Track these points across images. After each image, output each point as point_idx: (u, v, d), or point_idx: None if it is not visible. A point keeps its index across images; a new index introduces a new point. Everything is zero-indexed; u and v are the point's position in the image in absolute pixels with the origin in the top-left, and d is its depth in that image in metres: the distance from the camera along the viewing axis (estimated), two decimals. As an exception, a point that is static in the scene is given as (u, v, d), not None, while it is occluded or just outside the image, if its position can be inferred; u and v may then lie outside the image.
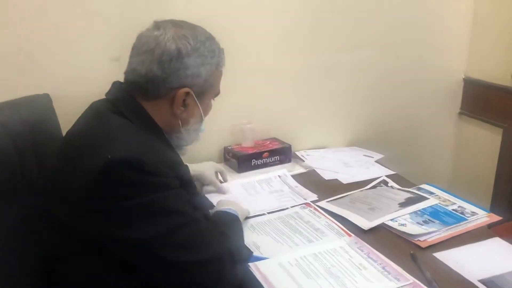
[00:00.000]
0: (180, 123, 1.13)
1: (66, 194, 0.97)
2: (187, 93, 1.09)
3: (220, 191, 1.57)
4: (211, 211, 1.28)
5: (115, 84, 1.14)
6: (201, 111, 1.15)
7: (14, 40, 1.43)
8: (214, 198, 1.49)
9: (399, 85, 2.10)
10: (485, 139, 2.15)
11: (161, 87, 1.06)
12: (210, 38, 1.12)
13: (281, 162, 1.80)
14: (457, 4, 2.10)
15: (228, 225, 1.18)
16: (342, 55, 1.94)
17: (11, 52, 1.43)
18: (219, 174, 1.62)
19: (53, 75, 1.47)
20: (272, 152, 1.78)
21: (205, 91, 1.13)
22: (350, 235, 1.30)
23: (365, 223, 1.35)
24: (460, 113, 2.27)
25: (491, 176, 2.11)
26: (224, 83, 1.76)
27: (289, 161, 1.83)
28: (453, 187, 2.25)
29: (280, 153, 1.80)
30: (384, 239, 1.29)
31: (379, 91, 2.07)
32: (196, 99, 1.11)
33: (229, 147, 1.79)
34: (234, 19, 1.72)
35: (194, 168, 1.53)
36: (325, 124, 2.03)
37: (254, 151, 1.76)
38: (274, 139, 1.88)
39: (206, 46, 1.09)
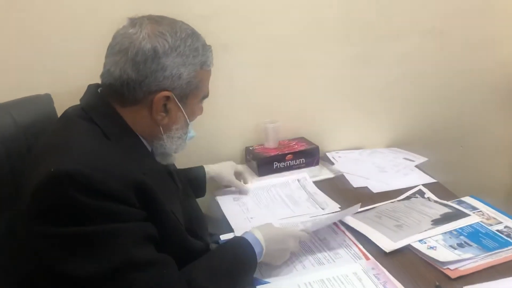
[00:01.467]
0: (161, 130, 1.02)
1: (18, 211, 0.89)
2: (167, 97, 0.98)
3: (242, 191, 1.50)
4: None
5: (90, 88, 1.04)
6: (186, 116, 1.03)
7: (14, 38, 1.39)
8: (228, 201, 1.44)
9: (448, 78, 1.87)
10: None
11: (137, 91, 0.96)
12: (192, 34, 1.00)
13: (307, 165, 1.66)
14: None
15: (220, 270, 0.99)
16: (382, 45, 1.75)
17: (11, 51, 1.39)
18: (241, 176, 1.54)
19: (53, 74, 1.42)
20: (297, 154, 1.64)
21: (189, 93, 1.01)
22: (368, 258, 1.15)
23: (388, 244, 1.19)
24: (523, 111, 1.99)
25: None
26: (247, 79, 1.69)
27: (317, 163, 1.69)
28: (510, 202, 2.00)
29: (306, 155, 1.66)
30: (408, 265, 1.13)
31: (424, 84, 1.86)
32: (178, 103, 1.00)
33: (251, 148, 1.68)
34: (257, 7, 1.59)
35: (212, 169, 1.45)
36: (362, 122, 1.85)
37: (277, 152, 1.63)
38: (302, 139, 1.75)
39: (187, 44, 0.98)
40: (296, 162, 1.64)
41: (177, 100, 1.00)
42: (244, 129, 1.72)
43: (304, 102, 1.75)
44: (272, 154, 1.62)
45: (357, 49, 1.73)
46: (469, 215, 1.30)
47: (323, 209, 1.40)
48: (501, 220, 1.29)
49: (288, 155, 1.63)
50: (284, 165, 1.63)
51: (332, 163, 1.70)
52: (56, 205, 0.81)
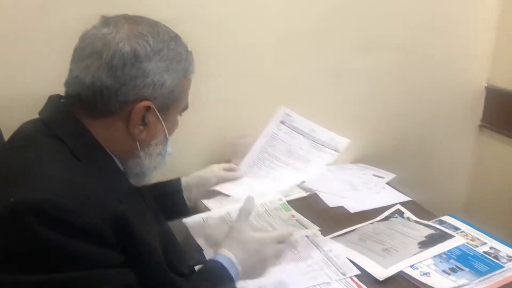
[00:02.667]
0: (138, 145, 0.88)
1: None
2: (147, 108, 0.84)
3: (235, 177, 1.29)
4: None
5: (51, 99, 0.88)
6: (166, 130, 0.91)
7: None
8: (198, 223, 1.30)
9: (412, 93, 1.87)
10: (510, 157, 1.92)
11: (112, 101, 0.82)
12: (175, 37, 0.88)
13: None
14: (481, 5, 1.86)
15: None
16: (350, 59, 1.71)
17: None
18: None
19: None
20: (267, 172, 1.53)
21: (170, 104, 0.89)
22: (361, 289, 1.06)
23: (380, 271, 1.11)
24: (481, 126, 2.03)
25: (516, 200, 1.88)
26: (214, 90, 1.57)
27: (287, 181, 1.59)
28: (470, 213, 2.03)
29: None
30: (404, 293, 1.06)
31: (390, 100, 1.84)
32: (158, 115, 0.87)
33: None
34: (226, 16, 1.49)
35: (192, 175, 1.28)
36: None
37: (246, 170, 1.51)
38: (270, 155, 1.64)
39: (170, 48, 0.86)
40: (266, 180, 1.53)
41: (157, 112, 0.87)
42: (209, 144, 1.60)
43: (272, 116, 1.65)
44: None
45: (325, 62, 1.68)
46: (453, 236, 1.27)
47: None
48: (485, 240, 1.26)
49: (260, 173, 1.51)
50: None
51: (303, 181, 1.61)
52: (16, 245, 0.66)
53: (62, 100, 0.87)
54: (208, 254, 1.17)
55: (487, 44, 1.92)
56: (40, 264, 0.67)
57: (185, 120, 1.46)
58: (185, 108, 0.96)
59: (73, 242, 0.68)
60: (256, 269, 0.98)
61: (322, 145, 1.24)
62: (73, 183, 0.74)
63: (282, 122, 1.31)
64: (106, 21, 0.84)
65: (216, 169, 1.28)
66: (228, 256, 0.94)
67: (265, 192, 1.23)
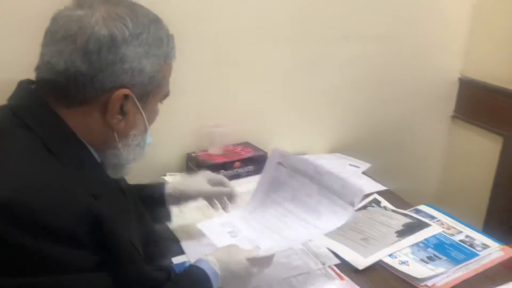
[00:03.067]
0: (116, 136, 0.83)
1: None
2: (126, 96, 0.79)
3: (231, 198, 1.19)
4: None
5: (22, 85, 0.82)
6: (145, 120, 0.85)
7: None
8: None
9: (388, 84, 1.88)
10: (482, 147, 1.96)
11: (88, 88, 0.76)
12: (156, 21, 0.83)
13: (255, 172, 1.54)
14: (456, -4, 1.89)
15: None
16: (327, 49, 1.70)
17: None
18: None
19: None
20: (245, 161, 1.52)
21: (150, 92, 0.83)
22: (342, 278, 1.06)
23: (359, 261, 1.11)
24: (454, 117, 2.07)
25: (487, 190, 1.92)
26: (191, 78, 1.54)
27: (264, 171, 1.57)
28: (442, 201, 2.06)
29: (255, 162, 1.54)
30: (383, 283, 1.07)
31: (365, 90, 1.84)
32: (138, 103, 0.82)
33: (193, 154, 1.52)
34: (204, 2, 1.44)
35: (177, 182, 1.20)
36: (306, 126, 1.78)
37: (224, 160, 1.49)
38: (247, 144, 1.63)
39: (150, 32, 0.80)
40: (244, 170, 1.52)
41: (136, 100, 0.81)
42: (184, 134, 1.56)
43: (249, 105, 1.63)
44: (219, 161, 1.48)
45: (303, 51, 1.66)
46: (430, 225, 1.28)
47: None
48: (460, 229, 1.28)
49: (236, 162, 1.50)
50: (231, 173, 1.49)
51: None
52: None
53: (33, 86, 0.81)
54: (185, 244, 1.15)
55: (461, 36, 1.94)
56: (5, 267, 0.63)
57: (160, 108, 1.44)
58: (166, 95, 0.90)
59: (42, 244, 0.64)
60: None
61: (333, 193, 1.05)
62: (44, 179, 0.69)
63: (280, 164, 1.15)
64: (80, 2, 0.78)
65: (202, 184, 1.18)
66: (215, 268, 0.92)
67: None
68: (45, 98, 0.78)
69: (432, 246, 1.19)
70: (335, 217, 1.02)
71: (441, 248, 1.18)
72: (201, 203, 1.30)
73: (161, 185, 1.16)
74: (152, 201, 1.12)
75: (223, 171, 1.48)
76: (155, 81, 0.82)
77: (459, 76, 2.00)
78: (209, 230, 1.16)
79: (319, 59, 1.69)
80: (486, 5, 1.86)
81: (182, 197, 1.16)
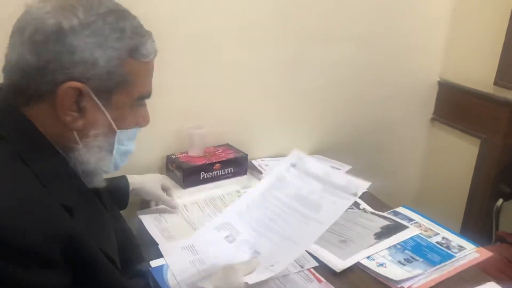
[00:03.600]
0: (76, 136, 0.77)
1: None
2: (79, 91, 0.73)
3: (170, 206, 1.31)
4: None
5: None
6: (110, 120, 0.78)
7: None
8: (153, 220, 1.25)
9: (369, 85, 1.90)
10: (460, 150, 1.99)
11: (39, 82, 0.72)
12: (117, 11, 0.77)
13: (235, 174, 1.54)
14: (435, 1, 1.91)
15: None
16: (308, 50, 1.71)
17: None
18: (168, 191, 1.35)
19: None
20: (225, 163, 1.52)
21: (114, 89, 0.77)
22: (320, 281, 1.06)
23: (337, 263, 1.12)
24: (433, 119, 2.10)
25: (464, 192, 1.96)
26: (170, 78, 1.51)
27: (245, 173, 1.57)
28: (421, 203, 2.10)
29: (235, 164, 1.54)
30: (360, 285, 1.07)
31: (346, 91, 1.86)
32: (96, 100, 0.76)
33: (173, 156, 1.51)
34: (184, 3, 1.43)
35: (136, 180, 1.25)
36: (287, 128, 1.79)
37: (204, 161, 1.49)
38: (228, 146, 1.62)
39: (107, 21, 0.74)
40: (224, 172, 1.51)
41: (93, 96, 0.75)
42: (164, 135, 1.54)
43: (230, 107, 1.63)
44: (199, 163, 1.47)
45: (285, 52, 1.66)
46: (408, 227, 1.29)
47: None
48: (437, 231, 1.29)
49: (216, 164, 1.49)
50: (211, 175, 1.49)
51: (260, 172, 1.60)
52: None
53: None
54: (163, 248, 1.14)
55: (440, 39, 1.97)
56: None
57: None
58: (143, 95, 0.82)
59: (14, 268, 0.61)
60: None
61: (337, 189, 1.03)
62: (15, 194, 0.65)
63: (293, 165, 1.14)
64: None
65: (157, 184, 1.30)
66: None
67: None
68: (13, 100, 0.75)
69: (410, 248, 1.20)
70: (335, 207, 1.00)
71: (418, 250, 1.19)
72: (181, 205, 1.31)
73: (125, 178, 1.23)
74: (117, 193, 1.18)
75: (203, 173, 1.47)
76: (116, 76, 0.76)
77: (438, 79, 2.03)
78: (204, 241, 1.12)
79: (300, 61, 1.69)
80: (465, 9, 1.89)
81: (140, 192, 1.25)
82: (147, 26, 0.87)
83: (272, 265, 0.94)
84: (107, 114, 0.78)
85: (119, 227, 0.94)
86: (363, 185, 1.02)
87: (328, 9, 1.69)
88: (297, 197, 1.07)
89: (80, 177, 0.81)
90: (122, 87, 0.77)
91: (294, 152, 1.16)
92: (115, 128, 0.80)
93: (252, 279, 0.90)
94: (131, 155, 0.88)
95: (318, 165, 1.10)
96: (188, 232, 1.21)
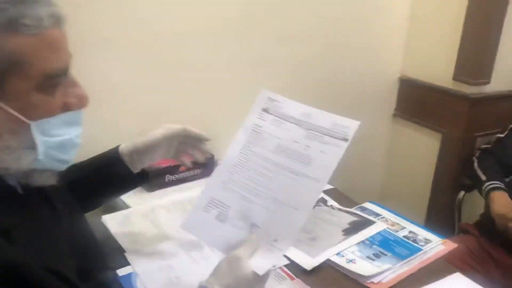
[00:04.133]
0: None
1: None
2: None
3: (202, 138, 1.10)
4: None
5: None
6: (10, 111, 0.65)
7: None
8: (118, 221, 1.18)
9: (331, 83, 1.92)
10: (422, 144, 2.04)
11: None
12: None
13: (202, 176, 1.52)
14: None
15: None
16: (271, 49, 1.71)
17: None
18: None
19: None
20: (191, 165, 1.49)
21: (4, 73, 0.63)
22: (293, 278, 1.06)
23: (307, 261, 1.12)
24: (395, 115, 2.14)
25: (428, 186, 2.00)
26: (131, 80, 1.49)
27: (211, 174, 1.55)
28: (386, 198, 2.14)
29: (201, 165, 1.51)
30: (332, 281, 1.08)
31: (310, 89, 1.86)
32: None
33: (137, 159, 1.48)
34: (148, 2, 1.41)
35: (135, 142, 1.07)
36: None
37: (169, 163, 1.46)
38: (193, 147, 1.60)
39: None
40: (190, 174, 1.49)
41: None
42: (127, 136, 1.49)
43: (195, 107, 1.61)
44: (164, 165, 1.45)
45: (249, 50, 1.67)
46: (375, 222, 1.31)
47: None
48: (404, 225, 1.31)
49: (182, 166, 1.47)
50: (177, 178, 1.47)
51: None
52: None
53: None
54: (130, 255, 1.10)
55: (400, 37, 2.02)
56: None
57: (100, 110, 1.39)
58: (51, 74, 0.66)
59: None
60: None
61: (323, 133, 0.89)
62: None
63: (265, 110, 0.97)
64: None
65: (160, 133, 1.06)
66: None
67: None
68: None
69: (378, 243, 1.22)
70: (326, 158, 0.87)
71: (386, 245, 1.21)
72: (148, 209, 1.27)
73: (114, 149, 1.07)
74: (107, 167, 1.03)
75: (168, 175, 1.45)
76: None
77: (399, 75, 2.08)
78: (196, 228, 0.94)
79: (264, 60, 1.70)
80: (424, 7, 1.94)
81: (139, 152, 1.04)
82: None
83: (275, 240, 0.84)
84: (4, 106, 0.64)
85: (77, 231, 0.87)
86: (352, 125, 0.88)
87: (291, 9, 1.70)
88: (281, 149, 0.91)
89: (14, 188, 0.72)
90: (14, 71, 0.63)
91: (262, 94, 0.98)
92: (26, 120, 0.66)
93: (261, 268, 0.80)
94: (82, 145, 0.76)
95: (295, 105, 0.95)
96: (156, 236, 1.18)
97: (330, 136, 0.88)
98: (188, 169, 1.49)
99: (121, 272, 1.04)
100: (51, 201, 0.81)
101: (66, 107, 0.70)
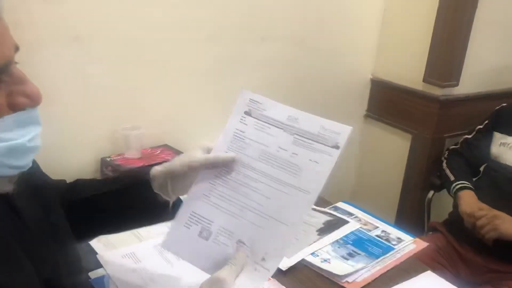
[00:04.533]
0: None
1: None
2: None
3: (226, 160, 0.84)
4: None
5: None
6: None
7: None
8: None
9: (304, 84, 1.93)
10: (393, 145, 2.08)
11: None
12: None
13: (175, 176, 1.51)
14: (367, 2, 1.98)
15: None
16: (247, 48, 1.72)
17: None
18: None
19: None
20: (164, 165, 1.47)
21: None
22: (268, 279, 1.06)
23: (283, 261, 1.12)
24: (366, 116, 2.17)
25: (398, 185, 2.04)
26: (103, 77, 1.45)
27: (185, 174, 1.54)
28: (358, 197, 2.17)
29: (174, 165, 1.50)
30: (306, 281, 1.08)
31: (283, 89, 1.87)
32: None
33: (108, 159, 1.46)
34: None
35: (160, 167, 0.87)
36: (224, 125, 1.77)
37: (142, 164, 1.44)
38: (166, 147, 1.59)
39: None
40: (164, 174, 1.47)
41: None
42: (97, 136, 1.49)
43: (168, 105, 1.60)
44: (138, 165, 1.42)
45: (224, 51, 1.66)
46: (348, 221, 1.33)
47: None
48: (376, 224, 1.33)
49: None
50: (150, 178, 1.44)
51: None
52: None
53: None
54: (103, 257, 1.08)
55: (372, 38, 2.05)
56: None
57: (69, 108, 1.36)
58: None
59: None
60: None
61: (311, 140, 0.81)
62: None
63: (248, 113, 0.88)
64: None
65: (193, 155, 0.84)
66: None
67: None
68: None
69: (351, 243, 1.23)
70: (317, 168, 0.79)
71: (360, 244, 1.22)
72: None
73: (146, 168, 0.89)
74: (134, 190, 0.86)
75: (141, 175, 1.42)
76: None
77: (371, 77, 2.11)
78: (178, 247, 0.86)
79: (236, 60, 1.70)
80: (395, 9, 1.98)
81: (175, 177, 0.84)
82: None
83: (263, 259, 0.78)
84: None
85: (47, 243, 0.79)
86: (343, 131, 0.80)
87: (263, 8, 1.70)
88: (266, 157, 0.84)
89: None
90: None
91: (243, 95, 0.89)
92: None
93: None
94: (41, 149, 0.67)
95: (279, 108, 0.87)
96: (129, 238, 1.16)
97: (319, 142, 0.81)
98: (161, 169, 1.46)
99: (93, 275, 1.02)
100: (16, 210, 0.73)
101: (14, 107, 0.61)
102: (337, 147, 0.79)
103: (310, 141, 0.81)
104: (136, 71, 1.48)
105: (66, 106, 1.36)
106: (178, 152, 1.55)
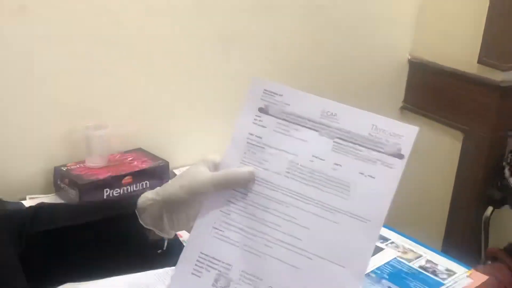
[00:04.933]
0: None
1: None
2: None
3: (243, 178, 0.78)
4: None
5: None
6: None
7: None
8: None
9: (322, 69, 1.94)
10: (438, 147, 2.08)
11: None
12: None
13: (153, 187, 1.50)
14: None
15: None
16: (242, 22, 1.71)
17: None
18: None
19: None
20: (139, 175, 1.49)
21: None
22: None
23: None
24: (403, 108, 2.18)
25: (445, 199, 2.04)
26: (57, 62, 1.43)
27: (165, 187, 1.54)
28: (393, 216, 2.15)
29: (152, 176, 1.52)
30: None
31: (296, 76, 1.88)
32: None
33: (64, 168, 1.47)
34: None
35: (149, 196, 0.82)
36: (216, 125, 1.76)
37: (108, 174, 1.45)
38: (141, 152, 1.60)
39: None
40: (137, 187, 1.48)
41: None
42: (48, 139, 1.49)
43: (142, 98, 1.61)
44: (102, 176, 1.43)
45: (213, 25, 1.66)
46: (382, 249, 1.33)
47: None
48: (419, 252, 1.34)
49: (126, 177, 1.46)
50: (119, 193, 1.45)
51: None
52: None
53: None
54: None
55: (410, 8, 2.05)
56: None
57: (10, 102, 1.36)
58: None
59: None
60: None
61: (361, 145, 0.75)
62: None
63: (264, 111, 0.81)
64: None
65: (200, 174, 0.79)
66: None
67: None
68: None
69: (387, 277, 1.23)
70: (372, 184, 0.74)
71: (398, 278, 1.22)
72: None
73: (135, 196, 0.84)
74: (115, 226, 0.81)
75: (108, 189, 1.43)
76: None
77: (409, 57, 2.11)
78: None
79: (233, 38, 1.70)
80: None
81: (175, 205, 0.79)
82: None
83: None
84: None
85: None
86: (407, 132, 0.73)
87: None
88: (296, 171, 0.77)
89: None
90: None
91: (254, 84, 0.84)
92: None
93: None
94: None
95: (309, 99, 0.80)
96: None
97: (372, 149, 0.74)
98: (134, 181, 1.47)
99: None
100: None
101: None
102: (400, 156, 0.73)
103: (358, 147, 0.75)
104: (100, 52, 1.48)
105: (5, 100, 1.37)
106: (156, 159, 1.55)
